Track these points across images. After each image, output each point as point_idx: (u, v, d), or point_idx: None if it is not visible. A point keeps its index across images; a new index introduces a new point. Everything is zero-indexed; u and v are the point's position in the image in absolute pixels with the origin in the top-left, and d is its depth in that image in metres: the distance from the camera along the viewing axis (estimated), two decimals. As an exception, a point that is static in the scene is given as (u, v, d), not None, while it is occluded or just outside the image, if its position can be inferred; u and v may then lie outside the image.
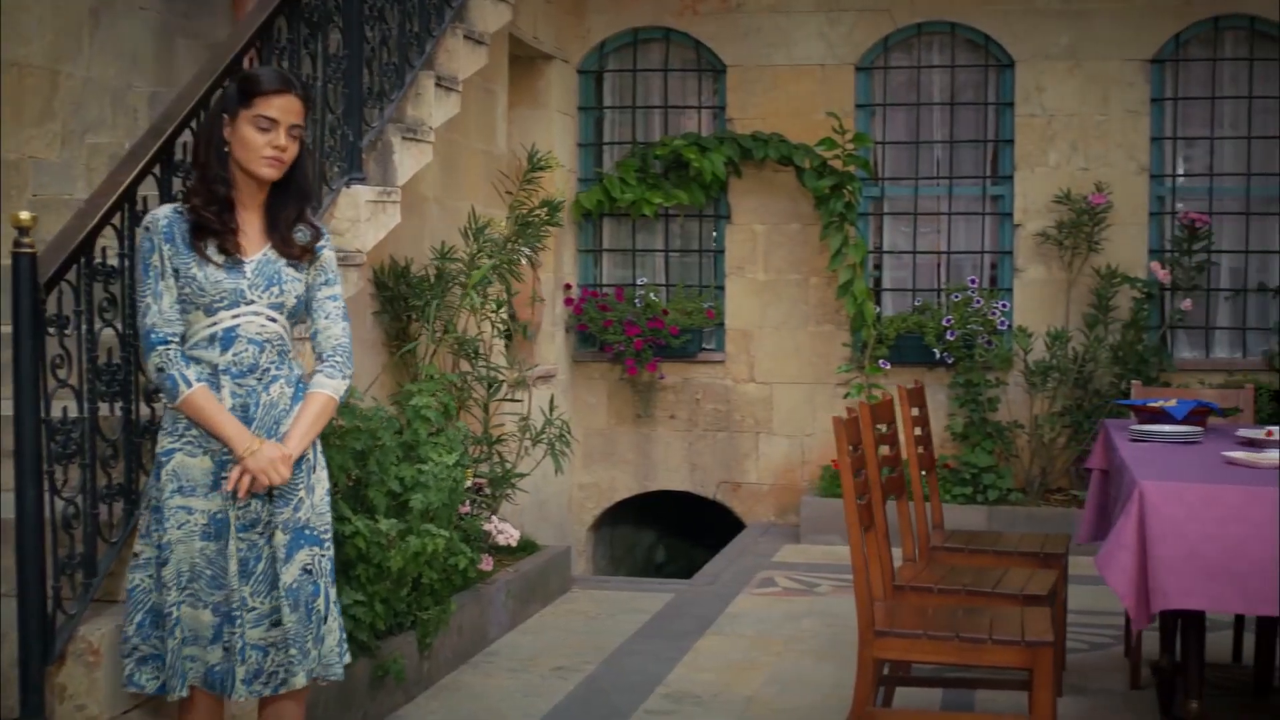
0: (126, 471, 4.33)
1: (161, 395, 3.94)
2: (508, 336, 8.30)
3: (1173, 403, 6.06)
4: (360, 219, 5.64)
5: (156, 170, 4.48)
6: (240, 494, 3.86)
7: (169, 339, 3.85)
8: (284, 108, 3.92)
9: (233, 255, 3.90)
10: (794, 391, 10.12)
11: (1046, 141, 9.73)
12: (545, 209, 7.78)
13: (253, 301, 3.92)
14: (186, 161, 4.49)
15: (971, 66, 9.96)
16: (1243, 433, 5.67)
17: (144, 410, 4.44)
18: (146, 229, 3.89)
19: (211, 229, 3.87)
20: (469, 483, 6.60)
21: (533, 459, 7.78)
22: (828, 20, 10.01)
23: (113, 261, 4.36)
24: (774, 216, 10.10)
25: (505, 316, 7.86)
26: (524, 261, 7.89)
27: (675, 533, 11.32)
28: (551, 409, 7.78)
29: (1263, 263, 9.73)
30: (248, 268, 3.93)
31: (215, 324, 3.89)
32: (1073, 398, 9.43)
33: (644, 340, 9.88)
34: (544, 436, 7.63)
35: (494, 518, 7.22)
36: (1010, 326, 9.66)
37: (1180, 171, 9.77)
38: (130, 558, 3.97)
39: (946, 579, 5.42)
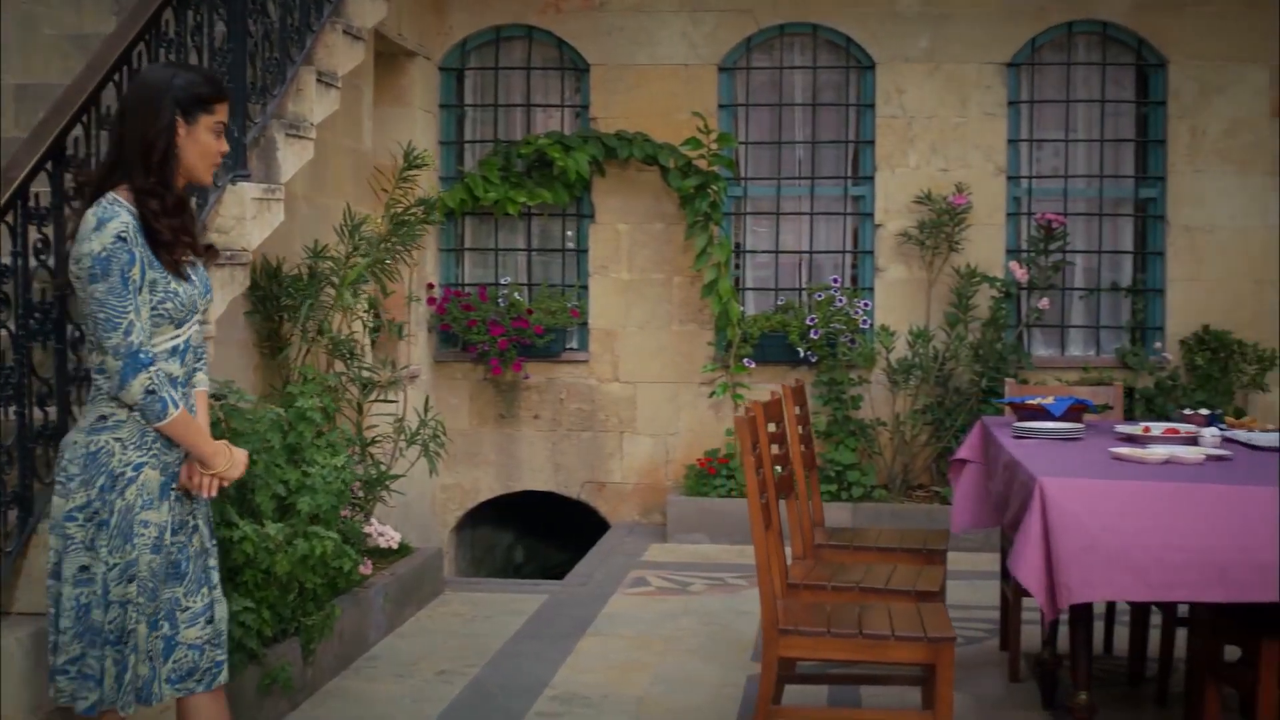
0: (20, 479, 4.18)
1: (142, 414, 3.71)
2: (375, 335, 8.20)
3: (1051, 400, 6.21)
4: (246, 217, 5.52)
5: (49, 166, 4.34)
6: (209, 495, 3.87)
7: (154, 359, 3.71)
8: (227, 112, 3.95)
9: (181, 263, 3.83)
10: (658, 391, 10.12)
11: (907, 143, 9.86)
12: (422, 207, 7.70)
13: (200, 310, 3.90)
14: (78, 157, 4.36)
15: (833, 68, 10.06)
16: (1121, 429, 5.84)
17: (37, 415, 4.29)
18: (121, 238, 3.63)
19: (163, 240, 3.75)
20: (347, 484, 6.51)
21: (407, 460, 7.69)
22: (690, 20, 10.03)
23: (6, 260, 4.21)
24: (637, 216, 10.09)
25: (375, 316, 7.77)
26: (395, 260, 7.79)
27: (534, 533, 11.28)
28: (426, 409, 7.70)
29: (1114, 262, 9.97)
30: (194, 275, 3.88)
31: (179, 336, 3.82)
32: (934, 395, 9.57)
33: (508, 340, 9.81)
34: (419, 437, 7.55)
35: (372, 520, 7.13)
36: (872, 325, 9.77)
37: (1036, 173, 9.97)
38: (78, 572, 3.76)
39: (837, 576, 5.49)
